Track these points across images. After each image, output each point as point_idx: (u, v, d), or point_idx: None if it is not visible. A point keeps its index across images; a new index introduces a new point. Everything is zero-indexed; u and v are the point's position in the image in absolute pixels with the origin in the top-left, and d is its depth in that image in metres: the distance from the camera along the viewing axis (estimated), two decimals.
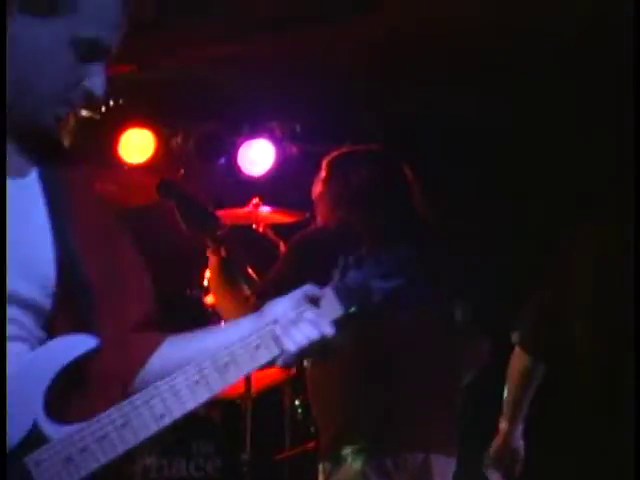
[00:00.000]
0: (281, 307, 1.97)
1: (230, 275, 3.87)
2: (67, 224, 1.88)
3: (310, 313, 1.94)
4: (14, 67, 1.78)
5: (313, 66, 4.82)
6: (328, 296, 1.99)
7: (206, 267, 4.73)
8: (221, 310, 3.96)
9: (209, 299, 4.82)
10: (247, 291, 3.82)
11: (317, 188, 3.66)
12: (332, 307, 1.99)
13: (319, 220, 3.72)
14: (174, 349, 1.97)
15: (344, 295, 1.99)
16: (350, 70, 4.69)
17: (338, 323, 1.96)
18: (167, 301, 4.73)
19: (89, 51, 1.80)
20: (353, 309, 1.99)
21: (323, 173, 3.63)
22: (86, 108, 4.85)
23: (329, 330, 1.93)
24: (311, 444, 4.54)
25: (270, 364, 1.92)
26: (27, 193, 1.87)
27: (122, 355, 1.90)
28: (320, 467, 3.39)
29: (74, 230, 1.88)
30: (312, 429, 4.52)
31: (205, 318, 4.79)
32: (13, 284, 1.78)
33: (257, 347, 1.87)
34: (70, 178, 1.92)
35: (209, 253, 3.90)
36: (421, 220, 3.47)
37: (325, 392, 3.50)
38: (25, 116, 1.82)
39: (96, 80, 1.81)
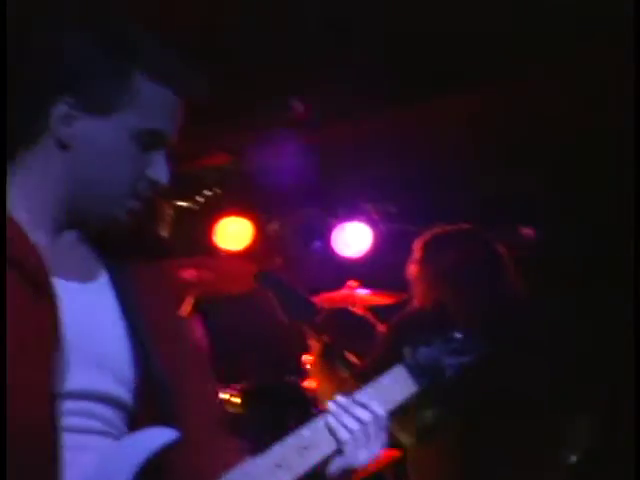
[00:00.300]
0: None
1: (331, 361, 3.93)
2: (140, 323, 1.91)
3: (362, 395, 1.93)
4: (81, 167, 1.83)
5: (406, 147, 4.83)
6: (400, 374, 1.98)
7: (303, 352, 4.77)
8: (321, 395, 3.97)
9: (308, 384, 4.78)
10: (346, 374, 3.85)
11: (411, 270, 3.68)
12: (405, 384, 1.98)
13: (416, 301, 3.73)
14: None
15: (417, 372, 1.98)
16: (442, 150, 4.68)
17: (414, 400, 1.95)
18: (265, 387, 4.72)
19: (149, 142, 1.83)
20: (427, 385, 1.98)
21: (416, 255, 3.65)
22: (181, 199, 4.95)
23: (380, 411, 1.91)
24: None
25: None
26: (100, 296, 1.90)
27: (207, 456, 1.90)
28: None
29: (147, 328, 1.91)
30: None
31: (304, 403, 4.71)
32: (95, 383, 1.81)
33: (306, 448, 1.87)
34: (141, 277, 1.95)
35: (310, 340, 3.93)
36: (514, 297, 3.45)
37: (426, 476, 3.45)
38: (95, 214, 1.86)
39: (159, 169, 1.85)
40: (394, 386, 1.98)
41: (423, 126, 4.61)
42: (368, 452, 1.91)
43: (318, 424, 1.88)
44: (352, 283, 4.88)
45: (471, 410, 3.34)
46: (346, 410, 1.91)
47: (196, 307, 4.25)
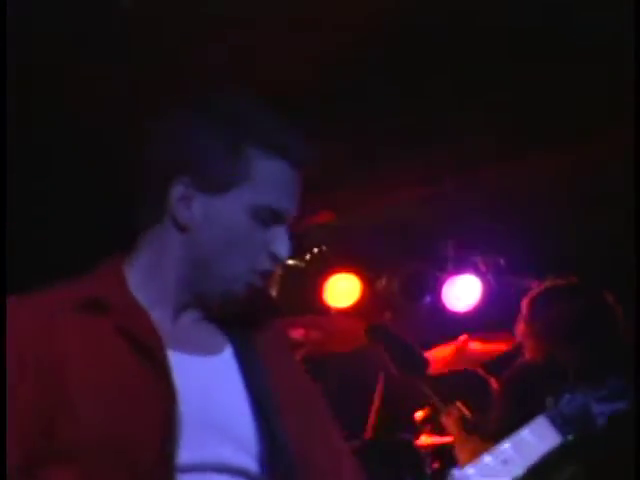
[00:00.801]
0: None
1: (472, 431, 3.98)
2: (266, 394, 1.89)
3: (503, 452, 1.91)
4: (200, 247, 1.84)
5: (514, 199, 4.83)
6: (542, 426, 1.94)
7: (416, 408, 4.77)
8: (458, 455, 4.13)
9: (422, 441, 4.75)
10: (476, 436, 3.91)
11: (520, 327, 3.72)
12: (549, 436, 1.94)
13: (527, 355, 3.72)
14: None
15: (561, 422, 1.94)
16: (548, 199, 4.67)
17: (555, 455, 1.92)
18: (379, 444, 4.71)
19: (269, 217, 1.82)
20: (571, 436, 1.93)
21: (524, 311, 3.67)
22: (290, 258, 5.01)
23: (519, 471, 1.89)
24: None
25: None
26: (224, 369, 1.88)
27: None
28: None
29: (274, 399, 1.89)
30: None
31: (418, 462, 4.63)
32: (218, 455, 1.80)
33: None
34: (271, 353, 1.94)
35: (446, 414, 4.12)
36: (626, 348, 3.40)
37: None
38: (216, 292, 1.85)
39: (280, 245, 1.83)
40: (536, 439, 1.94)
41: (528, 177, 4.61)
42: None
43: None
44: (463, 337, 4.85)
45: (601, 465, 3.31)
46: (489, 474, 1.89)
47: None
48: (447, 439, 4.60)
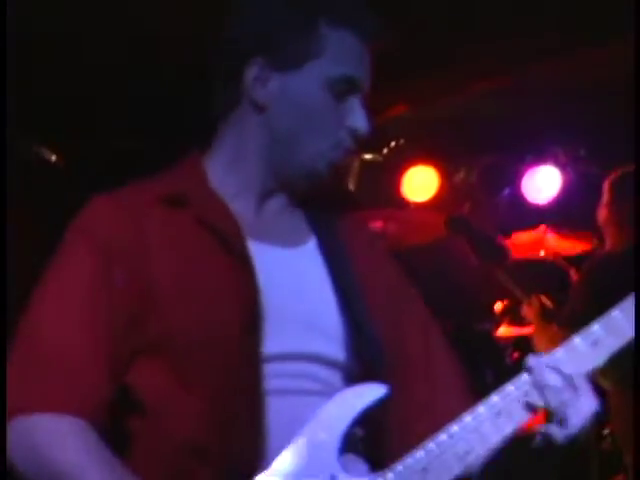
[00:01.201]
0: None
1: (550, 321, 4.03)
2: (350, 283, 1.91)
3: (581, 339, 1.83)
4: (280, 126, 1.85)
5: (590, 89, 4.79)
6: (616, 318, 1.85)
7: (495, 300, 4.83)
8: (536, 344, 4.18)
9: (501, 331, 4.83)
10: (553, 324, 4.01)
11: (602, 212, 3.66)
12: (622, 330, 1.86)
13: (608, 243, 3.70)
14: None
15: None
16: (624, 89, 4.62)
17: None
18: (455, 336, 4.78)
19: (343, 88, 1.84)
20: None
21: (606, 196, 3.60)
22: (367, 151, 5.02)
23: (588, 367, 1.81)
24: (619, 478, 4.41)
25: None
26: (307, 260, 1.91)
27: (428, 418, 1.88)
28: None
29: (359, 288, 1.91)
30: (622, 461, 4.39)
31: (496, 352, 4.77)
32: (305, 344, 1.83)
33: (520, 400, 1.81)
34: (349, 239, 1.96)
35: (527, 304, 4.20)
36: None
37: (627, 423, 3.41)
38: (301, 171, 1.87)
39: (357, 116, 1.85)
40: (627, 319, 1.87)
41: (609, 68, 4.55)
42: (576, 414, 1.78)
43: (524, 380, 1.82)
44: (542, 228, 4.87)
45: None
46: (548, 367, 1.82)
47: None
48: (527, 330, 4.66)
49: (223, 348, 1.75)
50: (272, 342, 1.77)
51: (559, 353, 1.81)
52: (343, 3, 1.87)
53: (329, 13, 1.84)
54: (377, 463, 1.80)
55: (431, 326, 2.01)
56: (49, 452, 1.74)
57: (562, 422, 1.76)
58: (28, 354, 1.78)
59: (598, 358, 1.82)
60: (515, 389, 1.79)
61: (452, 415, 1.81)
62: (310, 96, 1.84)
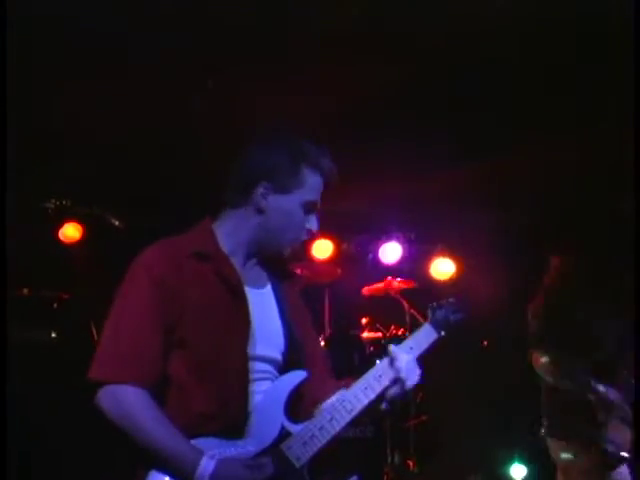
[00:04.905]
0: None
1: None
2: (288, 312, 2.32)
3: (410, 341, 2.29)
4: (269, 225, 2.28)
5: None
6: (427, 328, 2.40)
7: (362, 316, 6.14)
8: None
9: (365, 335, 6.07)
10: None
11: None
12: (430, 334, 2.40)
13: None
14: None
15: (436, 325, 2.41)
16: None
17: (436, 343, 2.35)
18: (337, 337, 6.24)
19: (311, 208, 2.31)
20: (443, 333, 2.42)
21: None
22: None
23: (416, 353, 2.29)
24: None
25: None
26: (268, 297, 2.33)
27: (322, 389, 2.32)
28: None
29: (292, 317, 2.33)
30: None
31: (361, 347, 5.86)
32: (264, 350, 2.25)
33: (380, 376, 2.25)
34: (288, 286, 2.39)
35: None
36: None
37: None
38: (273, 251, 2.32)
39: (313, 223, 2.32)
40: (419, 337, 2.33)
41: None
42: (411, 379, 2.22)
43: (384, 362, 2.26)
44: (389, 278, 6.34)
45: None
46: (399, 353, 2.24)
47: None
48: (378, 335, 6.08)
49: (225, 350, 2.15)
50: (253, 348, 2.22)
51: (407, 344, 2.31)
52: (316, 153, 2.27)
53: (307, 160, 2.27)
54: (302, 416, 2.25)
55: (317, 336, 2.48)
56: (135, 414, 2.06)
57: (403, 383, 2.23)
58: (112, 343, 2.12)
59: (420, 351, 2.30)
60: (376, 371, 2.24)
61: (332, 387, 2.26)
62: (293, 212, 2.26)
